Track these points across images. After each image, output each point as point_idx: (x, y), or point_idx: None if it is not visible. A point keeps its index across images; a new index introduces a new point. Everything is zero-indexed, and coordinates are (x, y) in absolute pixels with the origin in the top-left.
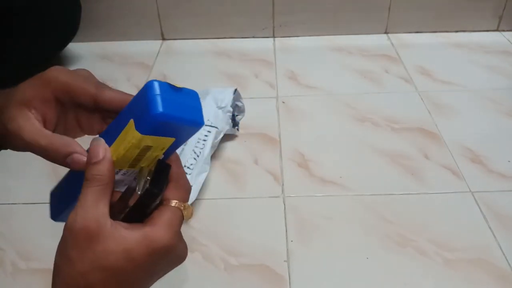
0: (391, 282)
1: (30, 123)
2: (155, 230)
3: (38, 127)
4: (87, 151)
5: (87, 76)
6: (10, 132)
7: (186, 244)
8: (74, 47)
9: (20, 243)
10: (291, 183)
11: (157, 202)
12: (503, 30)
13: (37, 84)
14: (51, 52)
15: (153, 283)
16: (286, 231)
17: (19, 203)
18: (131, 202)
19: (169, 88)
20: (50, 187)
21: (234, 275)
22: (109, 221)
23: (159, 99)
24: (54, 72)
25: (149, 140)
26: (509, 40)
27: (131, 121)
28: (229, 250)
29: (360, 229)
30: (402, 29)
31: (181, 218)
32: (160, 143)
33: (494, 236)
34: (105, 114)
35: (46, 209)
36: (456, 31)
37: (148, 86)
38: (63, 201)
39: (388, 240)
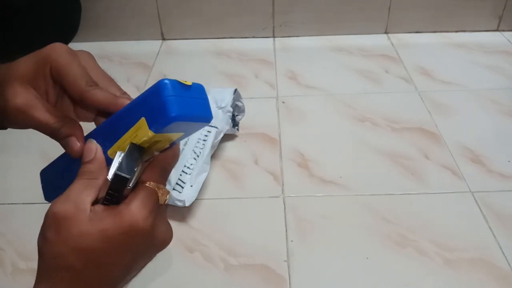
0: (391, 282)
1: (34, 99)
2: (128, 208)
3: (43, 103)
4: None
5: (84, 66)
6: (13, 107)
7: (170, 227)
8: (74, 47)
9: (20, 243)
10: (291, 183)
11: (130, 186)
12: (503, 30)
13: (39, 61)
14: None
15: (138, 268)
16: (286, 231)
17: (19, 203)
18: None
19: (180, 87)
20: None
21: (234, 275)
22: (88, 207)
23: (174, 101)
24: (54, 52)
25: (159, 136)
26: (509, 40)
27: (143, 119)
28: (229, 250)
29: (360, 229)
30: (402, 29)
31: (156, 198)
32: (169, 137)
33: (494, 236)
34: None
35: (45, 209)
36: (456, 31)
37: (161, 86)
38: (54, 182)
39: (388, 240)
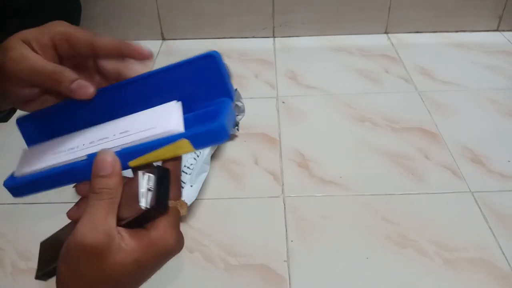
0: (391, 282)
1: (33, 53)
2: (161, 236)
3: (41, 56)
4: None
5: (85, 28)
6: (11, 59)
7: (182, 235)
8: None
9: (20, 243)
10: (291, 183)
11: (164, 212)
12: (503, 30)
13: (37, 29)
14: None
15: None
16: (286, 231)
17: (19, 203)
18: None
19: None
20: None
21: (234, 275)
22: (116, 233)
23: (229, 128)
24: (55, 23)
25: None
26: (509, 40)
27: (186, 141)
28: (229, 250)
29: (360, 229)
30: (402, 29)
31: (179, 215)
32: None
33: (494, 236)
34: (98, 66)
35: (46, 209)
36: (456, 31)
37: (219, 110)
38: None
39: (388, 240)
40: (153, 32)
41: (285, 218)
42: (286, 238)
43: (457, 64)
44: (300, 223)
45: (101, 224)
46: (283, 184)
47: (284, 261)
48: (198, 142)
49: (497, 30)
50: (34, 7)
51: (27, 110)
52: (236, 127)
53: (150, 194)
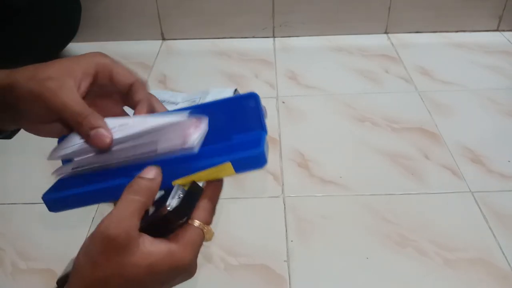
0: (391, 282)
1: (69, 87)
2: (180, 249)
3: (76, 92)
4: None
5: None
6: (49, 90)
7: (196, 263)
8: (74, 47)
9: (20, 243)
10: (291, 183)
11: (183, 221)
12: (503, 30)
13: (82, 58)
14: (51, 52)
15: None
16: (286, 231)
17: (19, 203)
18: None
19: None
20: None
21: (234, 275)
22: (137, 235)
23: (267, 155)
24: (99, 54)
25: None
26: (509, 40)
27: (229, 164)
28: (229, 250)
29: (360, 229)
30: (402, 29)
31: (202, 238)
32: None
33: (494, 236)
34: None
35: (46, 209)
36: (456, 31)
37: (262, 140)
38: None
39: (388, 240)
40: (153, 32)
41: (285, 218)
42: (286, 238)
43: (457, 64)
44: (300, 223)
45: (126, 221)
46: (283, 184)
47: (284, 261)
48: (239, 166)
49: (497, 30)
50: (34, 7)
51: (35, 132)
52: None
53: (176, 201)
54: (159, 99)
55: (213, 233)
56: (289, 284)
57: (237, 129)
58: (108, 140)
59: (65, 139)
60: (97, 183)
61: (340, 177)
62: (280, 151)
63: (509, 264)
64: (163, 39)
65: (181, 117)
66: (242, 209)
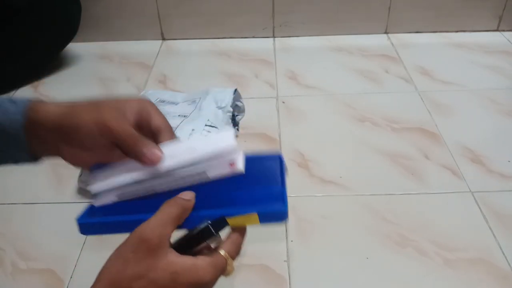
0: (391, 282)
1: (125, 117)
2: (203, 266)
3: (128, 122)
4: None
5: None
6: (109, 119)
7: None
8: (74, 47)
9: (20, 243)
10: (291, 183)
11: (207, 243)
12: (503, 30)
13: (131, 99)
14: (51, 52)
15: None
16: (286, 231)
17: (19, 203)
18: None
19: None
20: (49, 187)
21: (234, 275)
22: (168, 243)
23: (288, 210)
24: (145, 100)
25: None
26: (509, 40)
27: (256, 215)
28: None
29: (360, 229)
30: (402, 29)
31: (225, 268)
32: None
33: (494, 236)
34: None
35: (45, 209)
36: (456, 31)
37: (283, 198)
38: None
39: (388, 240)
40: (153, 32)
41: None
42: (286, 238)
43: (457, 64)
44: (300, 223)
45: (160, 228)
46: None
47: (284, 261)
48: (264, 218)
49: (497, 30)
50: (34, 7)
51: (72, 160)
52: (236, 127)
53: (204, 225)
54: (159, 99)
55: (234, 269)
56: (289, 284)
57: (261, 183)
58: (160, 155)
59: (103, 171)
60: (136, 213)
61: (340, 177)
62: (280, 151)
63: (509, 264)
64: (163, 39)
65: (225, 142)
66: None
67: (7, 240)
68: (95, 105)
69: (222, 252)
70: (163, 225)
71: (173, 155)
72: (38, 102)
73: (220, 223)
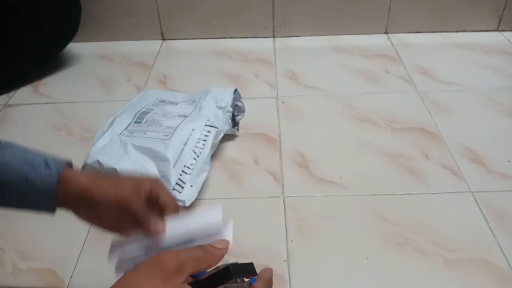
0: (391, 282)
1: (139, 197)
2: None
3: (142, 201)
4: None
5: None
6: (124, 200)
7: None
8: (74, 47)
9: (20, 243)
10: (291, 183)
11: (224, 287)
12: (503, 30)
13: (143, 178)
14: (51, 52)
15: None
16: (286, 231)
17: None
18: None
19: None
20: None
21: None
22: (185, 276)
23: None
24: (156, 180)
25: None
26: (509, 40)
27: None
28: (229, 250)
29: (360, 229)
30: (402, 29)
31: None
32: None
33: (494, 236)
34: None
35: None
36: (456, 31)
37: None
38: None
39: (388, 240)
40: (153, 32)
41: (285, 218)
42: (286, 238)
43: (457, 64)
44: (300, 223)
45: (183, 256)
46: (283, 184)
47: (284, 261)
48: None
49: (497, 30)
50: (34, 7)
51: (101, 226)
52: (236, 127)
53: (227, 264)
54: (159, 99)
55: None
56: (289, 284)
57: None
58: (162, 229)
59: (123, 250)
60: None
61: (340, 177)
62: (280, 151)
63: (509, 264)
64: (163, 39)
65: (214, 218)
66: (242, 209)
67: (7, 240)
68: (116, 181)
69: None
70: (187, 257)
71: (172, 233)
72: (69, 170)
73: (243, 268)
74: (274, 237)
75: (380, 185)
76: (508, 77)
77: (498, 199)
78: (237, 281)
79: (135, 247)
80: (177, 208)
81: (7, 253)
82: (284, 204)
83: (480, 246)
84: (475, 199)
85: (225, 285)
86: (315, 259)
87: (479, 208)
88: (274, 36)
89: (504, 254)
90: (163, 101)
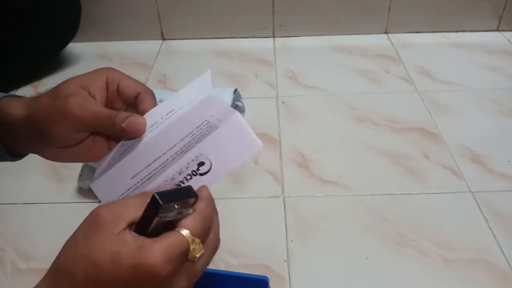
0: (391, 282)
1: (92, 99)
2: (151, 248)
3: (98, 102)
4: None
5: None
6: (75, 105)
7: (191, 283)
8: (74, 47)
9: (20, 243)
10: (291, 183)
11: (160, 218)
12: (503, 30)
13: (92, 73)
14: (51, 52)
15: None
16: (286, 231)
17: (19, 203)
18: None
19: None
20: (49, 187)
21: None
22: (124, 224)
23: None
24: (109, 69)
25: None
26: (509, 40)
27: None
28: (229, 250)
29: (360, 229)
30: (402, 29)
31: (185, 250)
32: None
33: (494, 236)
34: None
35: (45, 209)
36: (456, 31)
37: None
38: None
39: (388, 240)
40: (153, 32)
41: (285, 218)
42: (286, 238)
43: (457, 64)
44: (300, 223)
45: (120, 207)
46: (283, 184)
47: (284, 261)
48: None
49: (497, 30)
50: (34, 7)
51: (58, 158)
52: None
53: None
54: (159, 99)
55: (202, 251)
56: (289, 284)
57: None
58: (143, 125)
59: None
60: None
61: (340, 177)
62: (280, 151)
63: (509, 264)
64: (163, 39)
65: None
66: (242, 209)
67: (7, 240)
68: (54, 95)
69: (183, 231)
70: (126, 207)
71: (155, 120)
72: (9, 98)
73: (177, 193)
74: (274, 237)
75: (380, 185)
76: (508, 77)
77: (498, 199)
78: (172, 209)
79: (112, 159)
80: (151, 92)
81: (7, 253)
82: (284, 204)
83: (480, 246)
84: (475, 199)
85: (160, 215)
86: (315, 259)
87: (479, 208)
88: (274, 36)
89: (504, 254)
90: (163, 101)
